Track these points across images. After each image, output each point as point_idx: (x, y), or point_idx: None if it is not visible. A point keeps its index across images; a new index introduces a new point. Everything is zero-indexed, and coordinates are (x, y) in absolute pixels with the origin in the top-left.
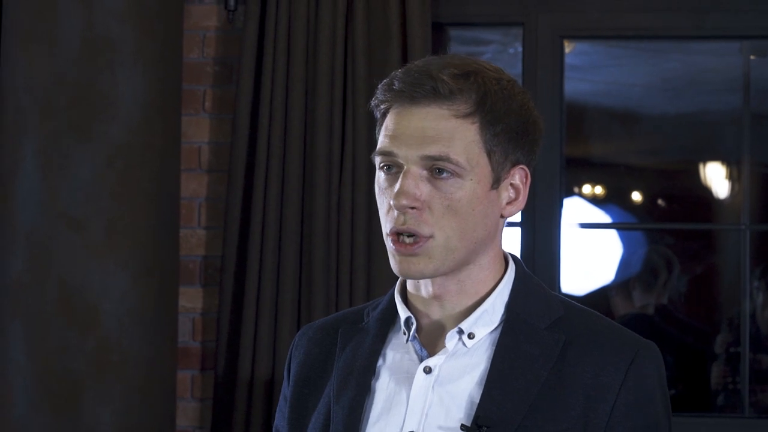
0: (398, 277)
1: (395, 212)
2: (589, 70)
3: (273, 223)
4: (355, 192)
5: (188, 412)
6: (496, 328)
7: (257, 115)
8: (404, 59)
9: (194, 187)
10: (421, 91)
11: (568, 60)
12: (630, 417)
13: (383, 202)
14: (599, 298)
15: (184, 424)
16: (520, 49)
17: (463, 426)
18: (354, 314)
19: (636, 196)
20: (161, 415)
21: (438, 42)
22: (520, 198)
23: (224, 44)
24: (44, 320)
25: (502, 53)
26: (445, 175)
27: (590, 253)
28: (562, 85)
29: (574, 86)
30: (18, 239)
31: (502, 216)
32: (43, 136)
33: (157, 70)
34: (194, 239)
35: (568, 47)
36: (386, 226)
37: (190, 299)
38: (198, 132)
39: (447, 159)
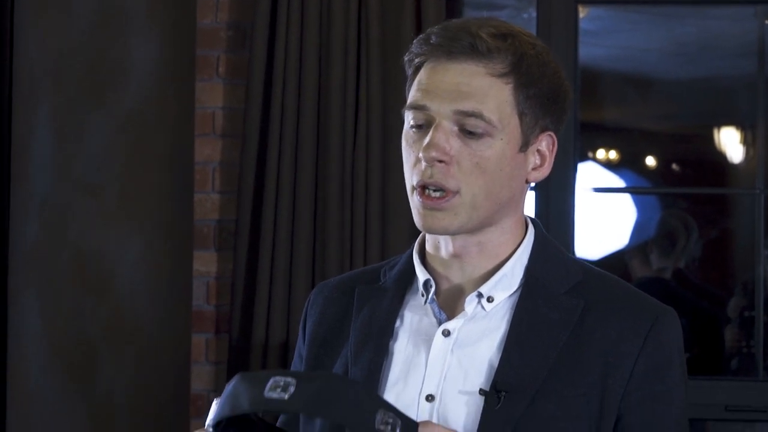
0: (413, 241)
1: (422, 165)
2: (604, 35)
3: (287, 187)
4: (369, 156)
5: (203, 376)
6: (515, 292)
7: (271, 81)
8: (418, 23)
9: (208, 152)
10: (458, 46)
11: (582, 25)
12: (648, 382)
13: (410, 155)
14: (614, 261)
15: (199, 388)
16: (534, 14)
17: (481, 390)
18: (370, 273)
19: (650, 161)
20: (176, 379)
21: (452, 6)
22: (546, 165)
23: (238, 9)
24: (59, 286)
25: (516, 18)
26: (476, 132)
27: (604, 218)
28: (576, 50)
29: (589, 51)
30: (32, 206)
31: (526, 181)
32: (56, 103)
33: (171, 36)
34: (208, 204)
35: (583, 12)
36: (412, 180)
37: (205, 263)
38: (212, 97)
39: (480, 116)
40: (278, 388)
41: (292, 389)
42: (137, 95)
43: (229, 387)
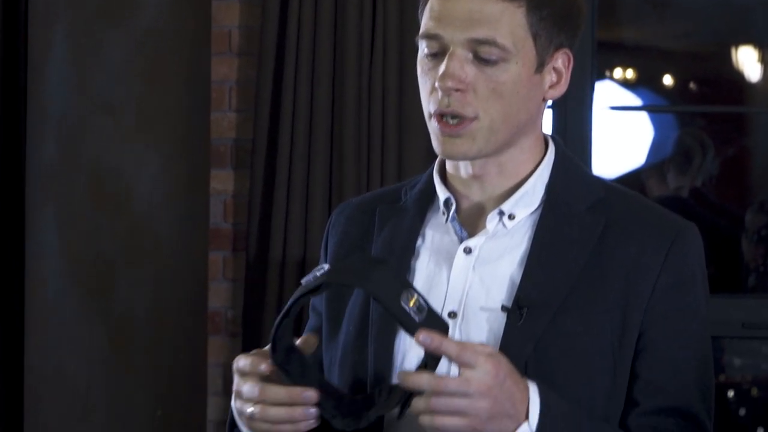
0: (431, 159)
1: (439, 93)
2: None
3: (303, 105)
4: (386, 73)
5: (220, 293)
6: (536, 209)
7: None
8: None
9: (225, 71)
10: None
11: None
12: (669, 298)
13: (426, 82)
14: (631, 180)
15: (216, 305)
16: None
17: (503, 307)
18: (391, 193)
19: (667, 80)
20: (193, 297)
21: None
22: (562, 82)
23: None
24: (76, 204)
25: None
26: (490, 59)
27: (621, 137)
28: None
29: None
30: (49, 124)
31: (543, 99)
32: (73, 21)
33: None
34: (225, 122)
35: None
36: (429, 107)
37: (222, 182)
38: (228, 16)
39: (493, 42)
40: (312, 274)
41: (324, 270)
42: (154, 14)
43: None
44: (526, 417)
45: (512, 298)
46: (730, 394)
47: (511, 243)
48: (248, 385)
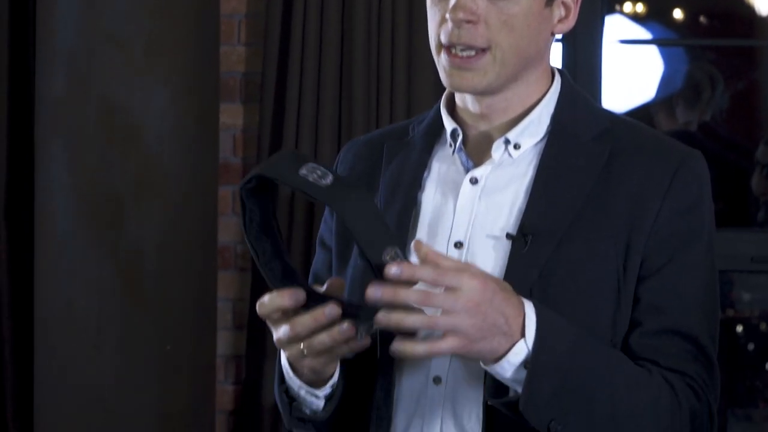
0: (440, 96)
1: (450, 25)
2: None
3: (313, 39)
4: (396, 8)
5: (230, 228)
6: (541, 139)
7: None
8: None
9: (234, 4)
10: None
11: None
12: (674, 222)
13: (435, 14)
14: (640, 115)
15: (226, 240)
16: None
17: (508, 235)
18: (399, 129)
19: (677, 14)
20: (203, 231)
21: None
22: (571, 16)
23: None
24: (86, 139)
25: None
26: None
27: (631, 71)
28: None
29: None
30: (59, 58)
31: (552, 33)
32: None
33: None
34: (234, 56)
35: None
36: (439, 38)
37: (231, 116)
38: None
39: None
40: (315, 173)
41: (328, 181)
42: None
43: (271, 157)
44: (522, 335)
45: (517, 227)
46: (739, 329)
47: (516, 172)
48: (282, 327)
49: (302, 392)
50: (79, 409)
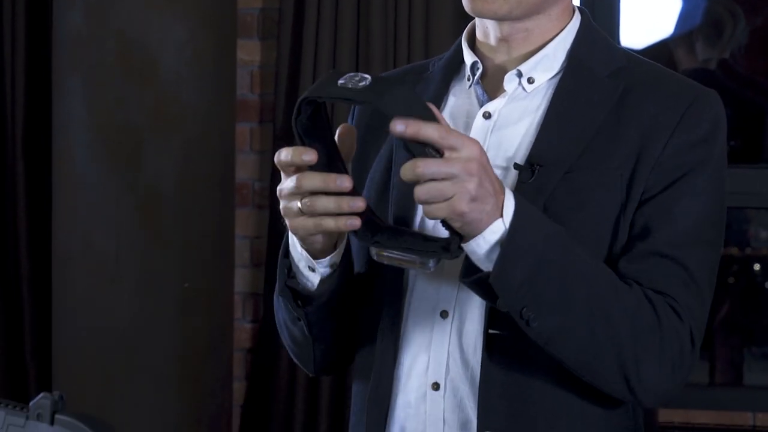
0: (459, 31)
1: None
2: None
3: None
4: None
5: (247, 165)
6: (556, 74)
7: None
8: None
9: None
10: None
11: None
12: (680, 154)
13: None
14: (659, 51)
15: (244, 177)
16: None
17: (516, 165)
18: (420, 66)
19: None
20: (220, 168)
21: None
22: None
23: None
24: (103, 74)
25: None
26: None
27: (650, 6)
28: None
29: None
30: None
31: None
32: None
33: None
34: None
35: None
36: None
37: (249, 52)
38: None
39: None
40: (353, 80)
41: (366, 83)
42: None
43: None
44: (501, 215)
45: (526, 158)
46: (756, 267)
47: (530, 106)
48: (290, 178)
49: (301, 265)
50: (97, 347)
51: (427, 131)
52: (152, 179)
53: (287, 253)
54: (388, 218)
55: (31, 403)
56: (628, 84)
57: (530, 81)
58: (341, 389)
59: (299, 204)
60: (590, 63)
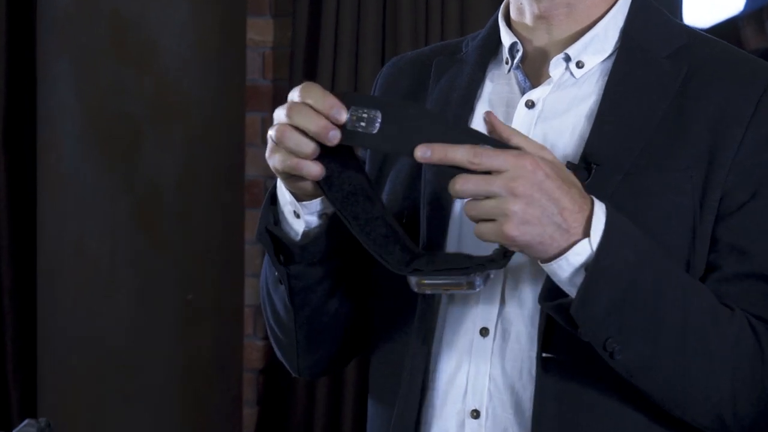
0: (495, 7)
1: None
2: None
3: None
4: None
5: (258, 160)
6: (609, 56)
7: None
8: None
9: None
10: None
11: None
12: (759, 153)
13: None
14: (726, 30)
15: (255, 173)
16: None
17: (569, 164)
18: (451, 46)
19: None
20: (228, 164)
21: None
22: None
23: None
24: (95, 58)
25: None
26: None
27: None
28: None
29: None
30: None
31: None
32: None
33: None
34: None
35: None
36: None
37: (260, 31)
38: None
39: None
40: (361, 118)
41: (377, 124)
42: None
43: None
44: (587, 235)
45: (579, 155)
46: None
47: (579, 94)
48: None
49: (286, 209)
50: (88, 367)
51: (455, 155)
52: (151, 176)
53: (274, 199)
54: (420, 241)
55: (14, 431)
56: (691, 66)
57: (579, 65)
58: (366, 418)
59: (271, 133)
60: (646, 43)
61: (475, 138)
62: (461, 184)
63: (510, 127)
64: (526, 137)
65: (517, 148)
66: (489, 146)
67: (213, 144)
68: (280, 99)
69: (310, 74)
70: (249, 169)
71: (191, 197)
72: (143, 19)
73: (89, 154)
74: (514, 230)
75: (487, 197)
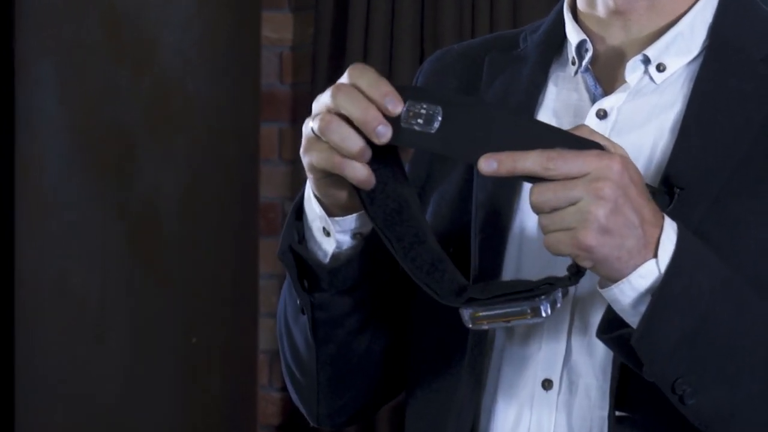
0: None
1: None
2: None
3: None
4: None
5: (274, 178)
6: (695, 57)
7: None
8: None
9: None
10: None
11: None
12: None
13: None
14: None
15: (271, 195)
16: None
17: (648, 187)
18: (506, 39)
19: None
20: (239, 183)
21: None
22: None
23: None
24: (84, 56)
25: None
26: None
27: None
28: None
29: None
30: None
31: None
32: None
33: None
34: None
35: None
36: None
37: (277, 28)
38: None
39: None
40: (418, 114)
41: (437, 121)
42: None
43: None
44: (655, 254)
45: (660, 176)
46: None
47: (660, 102)
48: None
49: (314, 226)
50: (74, 424)
51: (525, 164)
52: (148, 197)
53: (300, 213)
54: (471, 272)
55: None
56: None
57: (660, 69)
58: None
59: (312, 124)
60: (739, 42)
61: (557, 138)
62: (537, 194)
63: (589, 127)
64: (606, 138)
65: (597, 146)
66: (567, 148)
67: (221, 159)
68: (301, 106)
69: (334, 77)
70: (264, 189)
71: (196, 222)
72: (140, 12)
73: (76, 171)
74: (592, 239)
75: (569, 205)
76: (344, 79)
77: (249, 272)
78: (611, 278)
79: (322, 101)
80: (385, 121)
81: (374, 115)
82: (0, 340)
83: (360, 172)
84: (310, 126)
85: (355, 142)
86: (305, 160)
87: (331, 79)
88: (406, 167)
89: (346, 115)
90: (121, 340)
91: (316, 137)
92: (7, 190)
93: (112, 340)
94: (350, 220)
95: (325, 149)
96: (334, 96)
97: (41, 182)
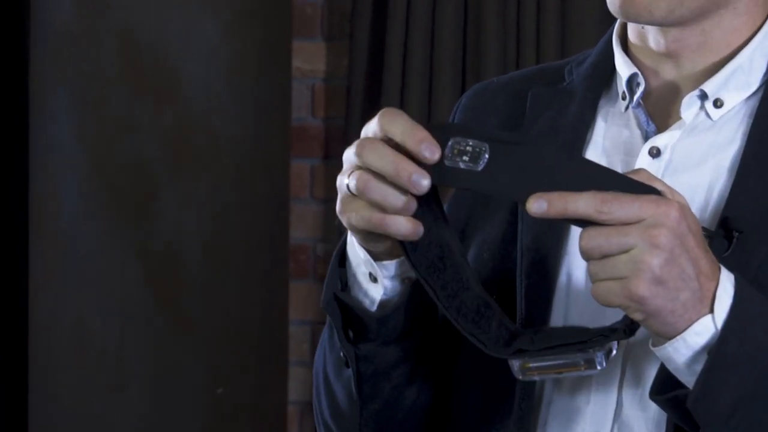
0: (606, 28)
1: None
2: None
3: None
4: None
5: (307, 218)
6: (754, 92)
7: None
8: None
9: None
10: None
11: None
12: None
13: None
14: None
15: (302, 236)
16: None
17: (705, 230)
18: (550, 72)
19: None
20: (268, 223)
21: None
22: None
23: None
24: (101, 88)
25: None
26: None
27: None
28: None
29: None
30: None
31: None
32: None
33: None
34: None
35: None
36: None
37: (309, 58)
38: None
39: None
40: (463, 152)
41: (484, 159)
42: None
43: None
44: (711, 309)
45: (718, 219)
46: None
47: (717, 140)
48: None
49: (359, 272)
50: None
51: (577, 205)
52: (170, 239)
53: (343, 259)
54: (516, 321)
55: None
56: None
57: (717, 104)
58: None
59: (347, 181)
60: None
61: (611, 180)
62: (588, 239)
63: (648, 172)
64: (666, 184)
65: (654, 191)
66: (621, 191)
67: (249, 198)
68: (334, 142)
69: (369, 110)
70: (295, 230)
71: (221, 265)
72: (161, 40)
73: (93, 211)
74: (645, 289)
75: (622, 252)
76: (374, 125)
77: (278, 318)
78: (664, 334)
79: (350, 158)
80: (419, 169)
81: (405, 166)
82: (13, 390)
83: (404, 227)
84: (345, 183)
85: (398, 198)
86: (344, 220)
87: (367, 112)
88: (445, 208)
89: (372, 169)
90: (141, 390)
91: (352, 195)
92: (21, 231)
93: (131, 389)
94: (394, 265)
95: (363, 208)
96: (359, 155)
97: (57, 223)
